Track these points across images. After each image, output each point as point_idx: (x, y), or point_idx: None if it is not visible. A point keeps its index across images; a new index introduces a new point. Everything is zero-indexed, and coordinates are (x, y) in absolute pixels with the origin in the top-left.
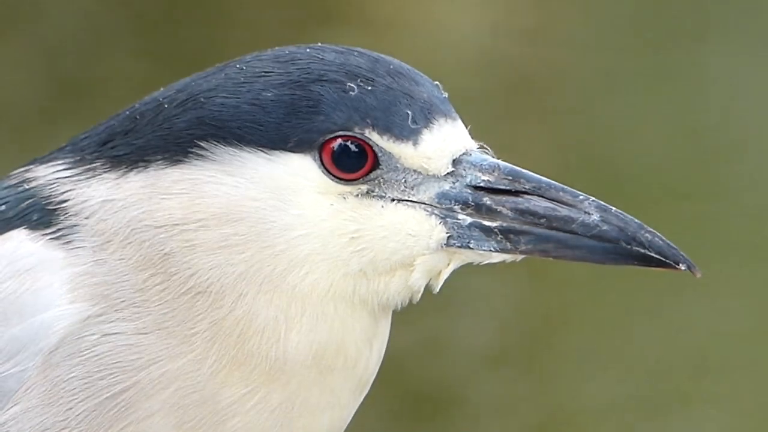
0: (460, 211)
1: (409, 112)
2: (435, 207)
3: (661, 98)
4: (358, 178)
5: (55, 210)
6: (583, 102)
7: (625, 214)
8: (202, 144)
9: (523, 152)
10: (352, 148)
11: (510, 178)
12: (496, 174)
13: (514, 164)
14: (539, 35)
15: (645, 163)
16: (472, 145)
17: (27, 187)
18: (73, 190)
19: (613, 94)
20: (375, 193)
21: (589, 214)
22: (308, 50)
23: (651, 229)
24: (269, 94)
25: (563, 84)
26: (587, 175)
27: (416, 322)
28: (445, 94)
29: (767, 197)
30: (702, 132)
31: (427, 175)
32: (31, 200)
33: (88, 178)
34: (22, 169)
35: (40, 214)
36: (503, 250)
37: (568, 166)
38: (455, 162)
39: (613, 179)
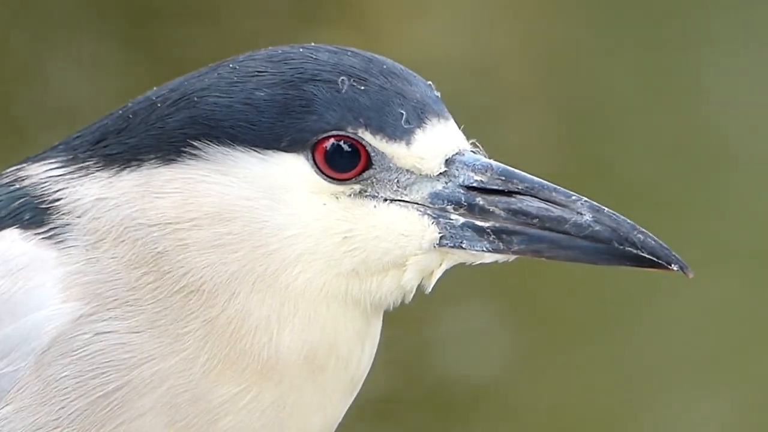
0: (452, 211)
1: (402, 112)
2: (428, 207)
3: (659, 101)
4: (351, 178)
5: (47, 209)
6: (580, 104)
7: (618, 214)
8: (195, 143)
9: (516, 155)
10: (345, 147)
11: (503, 178)
12: (488, 174)
13: (507, 165)
14: (535, 35)
15: (640, 165)
16: (465, 145)
17: (19, 186)
18: (66, 188)
19: (611, 94)
20: (368, 193)
21: (581, 214)
22: (301, 50)
23: (643, 230)
24: (262, 94)
25: (559, 87)
26: (583, 177)
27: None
28: (438, 94)
29: (763, 199)
30: (698, 134)
31: (420, 175)
32: (23, 199)
33: (80, 176)
34: (15, 167)
35: (32, 214)
36: (496, 251)
37: (565, 168)
38: (448, 162)
39: (609, 182)
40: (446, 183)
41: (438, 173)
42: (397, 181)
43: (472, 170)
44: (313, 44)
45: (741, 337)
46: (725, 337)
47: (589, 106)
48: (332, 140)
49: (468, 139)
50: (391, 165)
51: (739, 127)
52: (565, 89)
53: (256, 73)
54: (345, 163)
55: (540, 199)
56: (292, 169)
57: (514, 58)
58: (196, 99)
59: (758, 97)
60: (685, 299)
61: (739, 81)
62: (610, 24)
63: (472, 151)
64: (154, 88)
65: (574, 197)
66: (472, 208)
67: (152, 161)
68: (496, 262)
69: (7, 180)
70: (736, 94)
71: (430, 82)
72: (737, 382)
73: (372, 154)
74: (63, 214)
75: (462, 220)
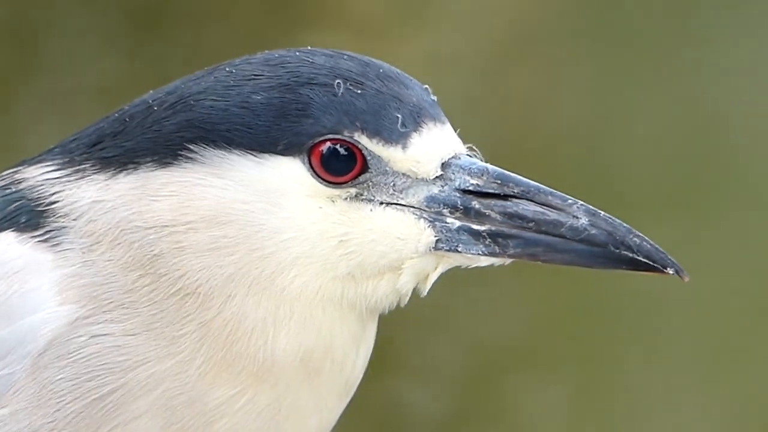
0: (448, 214)
1: (399, 116)
2: (424, 210)
3: (659, 102)
4: (347, 182)
5: (43, 212)
6: (579, 106)
7: (614, 218)
8: (191, 146)
9: (512, 157)
10: (341, 151)
11: (499, 181)
12: (484, 178)
13: (503, 168)
14: (533, 38)
15: (639, 165)
16: (461, 148)
17: (15, 189)
18: (63, 191)
19: (607, 92)
20: (364, 197)
21: (577, 218)
22: (298, 54)
23: (639, 233)
24: (259, 97)
25: (557, 89)
26: (580, 174)
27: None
28: (434, 98)
29: (760, 197)
30: (697, 133)
31: (416, 178)
32: (19, 202)
33: (77, 179)
34: (11, 170)
35: (29, 216)
36: (492, 254)
37: (563, 170)
38: (444, 165)
39: (608, 182)
40: (442, 186)
41: (434, 177)
42: (394, 184)
43: (468, 174)
44: (309, 48)
45: (741, 338)
46: (725, 339)
47: (588, 107)
48: (328, 144)
49: (465, 142)
50: (387, 169)
51: (739, 127)
52: (564, 91)
53: (253, 77)
54: (341, 167)
55: (536, 202)
56: (288, 173)
57: (511, 60)
58: (192, 102)
59: (758, 96)
60: (682, 301)
61: (740, 80)
62: (607, 24)
63: (468, 155)
64: (151, 92)
65: (570, 201)
66: (468, 212)
67: (149, 164)
68: (491, 265)
69: (3, 183)
70: (736, 93)
71: (426, 86)
72: (737, 385)
73: (368, 158)
74: (59, 216)
75: (458, 223)
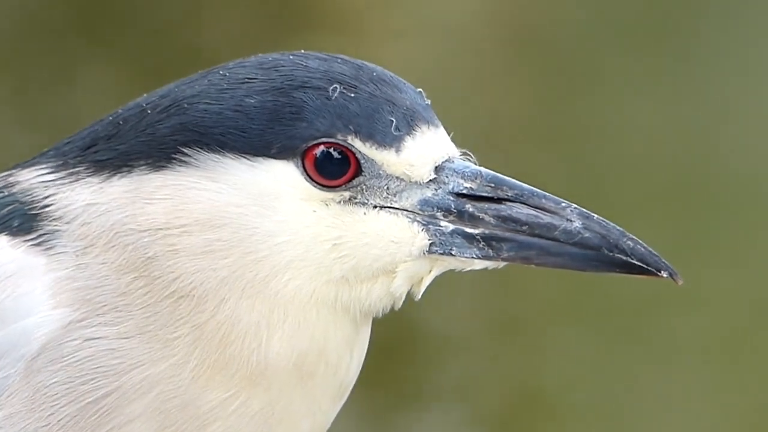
0: (442, 218)
1: (392, 119)
2: (417, 214)
3: (653, 98)
4: (341, 185)
5: (37, 215)
6: (573, 104)
7: (608, 221)
8: (185, 150)
9: (506, 162)
10: (335, 154)
11: (492, 185)
12: (478, 181)
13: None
14: (529, 34)
15: (635, 167)
16: (455, 152)
17: (8, 192)
18: (56, 194)
19: (605, 94)
20: (357, 200)
21: (571, 221)
22: (291, 57)
23: (633, 237)
24: (252, 101)
25: (551, 93)
26: (576, 176)
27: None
28: (428, 101)
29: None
30: (695, 134)
31: (410, 181)
32: (12, 206)
33: (71, 182)
34: (5, 174)
35: (21, 220)
36: (485, 257)
37: (558, 169)
38: (438, 169)
39: (604, 184)
40: (436, 190)
41: (428, 180)
42: (387, 188)
43: (462, 177)
44: (302, 51)
45: (741, 339)
46: (726, 339)
47: (585, 109)
48: (322, 147)
49: (458, 145)
50: (381, 172)
51: (738, 128)
52: (560, 92)
53: (246, 80)
54: (335, 170)
55: (529, 206)
56: (282, 176)
57: (508, 62)
58: (186, 105)
59: (758, 97)
60: (681, 301)
61: (739, 80)
62: (605, 27)
63: (461, 159)
64: (145, 95)
65: (563, 204)
66: (461, 215)
67: (142, 167)
68: (485, 268)
69: None
70: (736, 93)
71: (420, 90)
72: (737, 385)
73: (362, 161)
74: (53, 219)
75: (452, 227)
